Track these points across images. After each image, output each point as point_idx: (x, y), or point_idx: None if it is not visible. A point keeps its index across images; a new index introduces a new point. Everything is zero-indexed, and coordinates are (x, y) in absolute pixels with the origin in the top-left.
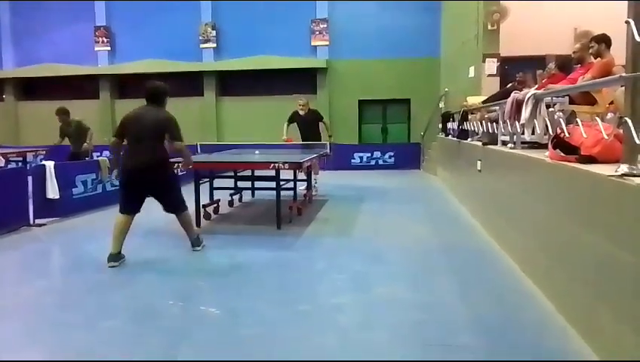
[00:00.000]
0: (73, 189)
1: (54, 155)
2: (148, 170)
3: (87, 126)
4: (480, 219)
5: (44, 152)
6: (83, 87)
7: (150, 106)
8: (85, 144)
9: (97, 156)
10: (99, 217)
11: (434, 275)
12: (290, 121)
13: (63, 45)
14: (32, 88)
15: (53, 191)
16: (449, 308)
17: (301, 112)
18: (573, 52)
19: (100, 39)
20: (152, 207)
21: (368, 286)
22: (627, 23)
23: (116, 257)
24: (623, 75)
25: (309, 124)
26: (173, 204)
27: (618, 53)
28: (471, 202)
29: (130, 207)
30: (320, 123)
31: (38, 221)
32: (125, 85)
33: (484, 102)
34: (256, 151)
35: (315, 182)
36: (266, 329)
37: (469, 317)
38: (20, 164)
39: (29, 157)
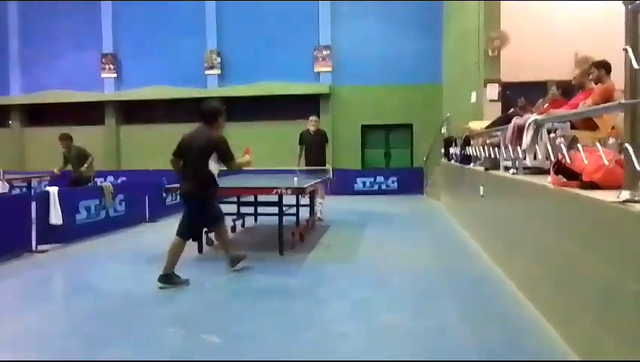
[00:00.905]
0: (76, 215)
1: (58, 181)
2: (189, 198)
3: (89, 153)
4: (483, 245)
5: (48, 178)
6: (89, 113)
7: (203, 126)
8: (82, 169)
9: (101, 182)
10: (102, 243)
11: (437, 301)
12: (300, 141)
13: (69, 72)
14: (38, 114)
15: (56, 217)
16: (453, 334)
17: (312, 128)
18: (574, 78)
19: (107, 66)
20: (158, 230)
21: (371, 313)
22: (625, 50)
23: (165, 278)
24: (623, 101)
25: (316, 145)
26: (210, 223)
27: (619, 77)
28: (474, 227)
29: (186, 232)
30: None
31: (40, 247)
32: (131, 111)
33: (487, 127)
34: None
35: (321, 206)
36: (267, 358)
37: (472, 343)
38: (24, 189)
39: (34, 183)
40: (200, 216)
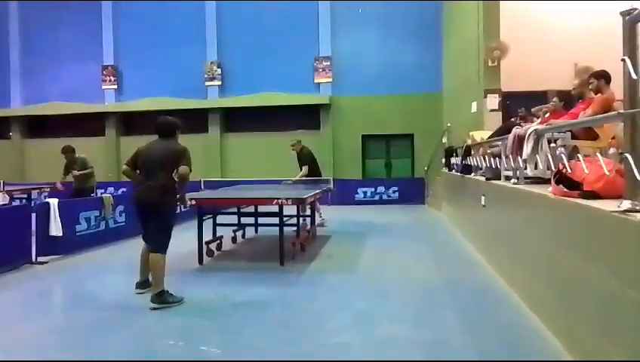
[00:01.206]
0: (76, 226)
1: (59, 193)
2: (145, 205)
3: (91, 165)
4: (485, 255)
5: (48, 190)
6: (89, 124)
7: (162, 139)
8: (76, 173)
9: (101, 193)
10: (102, 254)
11: (438, 312)
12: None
13: (70, 84)
14: (38, 126)
15: (56, 229)
16: (454, 346)
17: (292, 151)
18: (573, 88)
19: (107, 78)
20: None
21: (372, 324)
22: (623, 60)
23: (141, 285)
24: (622, 111)
25: (300, 164)
26: (153, 243)
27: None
28: (476, 237)
29: (143, 237)
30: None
31: (40, 258)
32: (131, 123)
33: (489, 137)
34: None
35: (322, 217)
36: None
37: (474, 355)
38: (24, 201)
39: (34, 194)
40: (148, 223)
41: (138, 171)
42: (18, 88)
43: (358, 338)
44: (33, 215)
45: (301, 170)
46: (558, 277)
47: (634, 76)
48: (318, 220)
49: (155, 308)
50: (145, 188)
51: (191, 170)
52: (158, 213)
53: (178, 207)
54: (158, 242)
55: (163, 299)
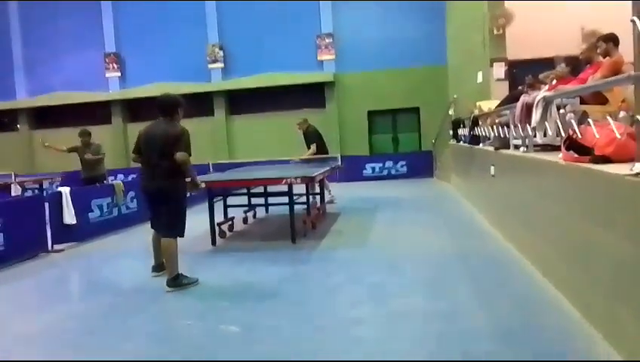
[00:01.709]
0: (89, 214)
1: (70, 181)
2: (152, 193)
3: (103, 152)
4: (496, 224)
5: (59, 179)
6: (95, 113)
7: (162, 119)
8: (88, 157)
9: (112, 180)
10: (116, 240)
11: (452, 283)
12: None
13: (74, 73)
14: (45, 117)
15: (70, 217)
16: (469, 316)
17: (299, 131)
18: (581, 52)
19: (111, 65)
20: None
21: (386, 297)
22: (632, 21)
23: (157, 268)
24: (632, 73)
25: (307, 142)
26: (164, 229)
27: (627, 50)
28: (486, 207)
29: (151, 223)
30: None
31: (56, 246)
32: (137, 109)
33: (497, 106)
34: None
35: (331, 194)
36: (285, 345)
37: (490, 324)
38: (36, 191)
39: (45, 184)
40: (158, 209)
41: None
42: (22, 80)
43: (372, 312)
44: (46, 204)
45: (308, 148)
46: (571, 243)
47: None
48: (327, 197)
49: (170, 291)
50: (147, 175)
51: (190, 154)
52: (165, 199)
53: (189, 192)
54: (167, 227)
55: (178, 282)
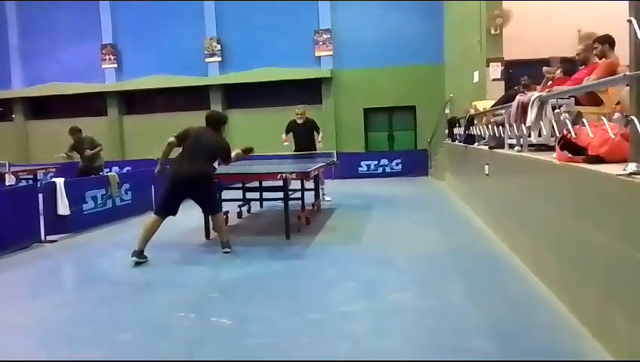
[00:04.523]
0: (83, 205)
1: (65, 172)
2: (197, 180)
3: (99, 142)
4: (489, 223)
5: (54, 170)
6: (91, 104)
7: (210, 128)
8: (87, 154)
9: (106, 172)
10: (109, 232)
11: (444, 280)
12: (288, 130)
13: (70, 64)
14: (40, 107)
15: (63, 208)
16: (461, 312)
17: (299, 121)
18: (577, 53)
19: (107, 57)
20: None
21: (378, 293)
22: (629, 22)
23: (140, 254)
24: (628, 73)
25: (305, 134)
26: (213, 209)
27: (622, 52)
28: (480, 206)
29: (167, 210)
30: (315, 132)
31: (49, 237)
32: (133, 101)
33: (492, 106)
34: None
35: (323, 190)
36: (277, 338)
37: (481, 321)
38: (30, 181)
39: (40, 174)
40: (208, 196)
41: (182, 149)
42: (18, 70)
43: (365, 307)
44: (40, 195)
45: (305, 139)
46: (563, 242)
47: None
48: (322, 194)
49: (227, 252)
50: (191, 167)
51: (230, 159)
52: (207, 186)
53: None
54: (215, 206)
55: (229, 243)
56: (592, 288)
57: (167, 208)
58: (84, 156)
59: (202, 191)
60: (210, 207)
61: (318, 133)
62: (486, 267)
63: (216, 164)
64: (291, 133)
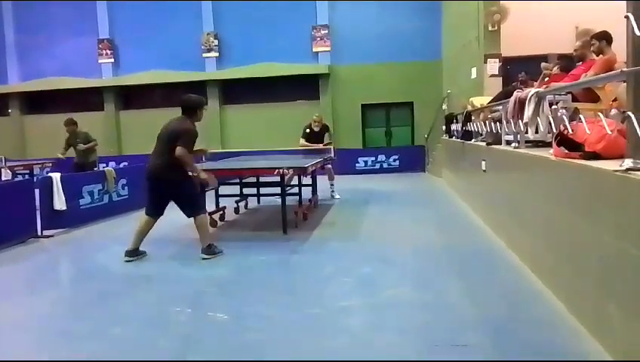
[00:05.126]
0: (80, 200)
1: (60, 167)
2: (158, 178)
3: (94, 138)
4: (486, 219)
5: (50, 165)
6: (88, 99)
7: (183, 116)
8: (80, 148)
9: (103, 167)
10: (106, 227)
11: (441, 276)
12: (305, 136)
13: (67, 59)
14: (37, 102)
15: (60, 203)
16: (457, 308)
17: (316, 128)
18: (575, 50)
19: (104, 52)
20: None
21: (376, 288)
22: (627, 17)
23: (132, 253)
24: (624, 69)
25: (318, 138)
26: (189, 210)
27: (619, 50)
28: (477, 202)
29: (151, 210)
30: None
31: (45, 232)
32: (130, 96)
33: (489, 102)
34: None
35: (332, 186)
36: (274, 333)
37: (477, 316)
38: (26, 176)
39: (36, 169)
40: (177, 192)
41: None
42: (15, 65)
43: (362, 302)
44: (36, 190)
45: (319, 141)
46: (559, 238)
47: (638, 33)
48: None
49: (205, 258)
50: (150, 165)
51: (190, 151)
52: (172, 184)
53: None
54: (192, 208)
55: (211, 251)
56: (588, 284)
57: (151, 209)
58: (77, 150)
59: (170, 189)
60: (186, 206)
61: (330, 135)
62: (483, 263)
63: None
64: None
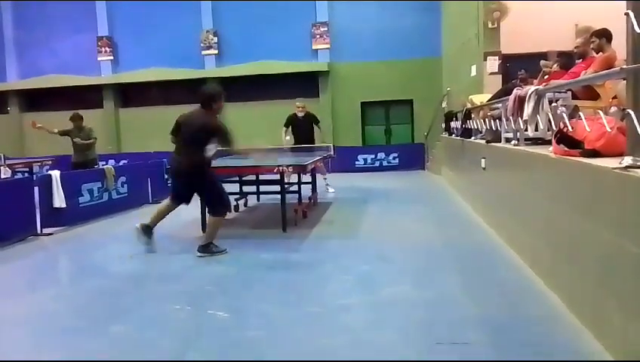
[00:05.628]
0: (79, 198)
1: (60, 165)
2: (187, 172)
3: (95, 136)
4: (486, 217)
5: (49, 162)
6: (87, 97)
7: (201, 110)
8: (78, 141)
9: (102, 165)
10: (105, 225)
11: (441, 274)
12: (287, 124)
13: (66, 56)
14: (36, 100)
15: (59, 201)
16: (457, 306)
17: (300, 114)
18: (575, 47)
19: (103, 49)
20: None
21: (375, 286)
22: (627, 15)
23: (147, 228)
24: (624, 67)
25: (305, 127)
26: (212, 208)
27: (619, 47)
28: (476, 200)
29: (176, 199)
30: (315, 126)
31: (45, 230)
32: (129, 94)
33: (489, 100)
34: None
35: (326, 180)
36: (274, 330)
37: (477, 314)
38: (26, 174)
39: (35, 167)
40: (196, 188)
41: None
42: (14, 62)
43: (361, 300)
44: (36, 188)
45: (304, 133)
46: (559, 236)
47: (637, 30)
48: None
49: (200, 256)
50: (178, 158)
51: (233, 143)
52: (199, 178)
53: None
54: (214, 206)
55: (208, 250)
56: (588, 282)
57: (176, 197)
58: (75, 144)
59: (196, 184)
60: (210, 204)
61: (319, 126)
62: (482, 260)
63: (212, 149)
64: (290, 127)
